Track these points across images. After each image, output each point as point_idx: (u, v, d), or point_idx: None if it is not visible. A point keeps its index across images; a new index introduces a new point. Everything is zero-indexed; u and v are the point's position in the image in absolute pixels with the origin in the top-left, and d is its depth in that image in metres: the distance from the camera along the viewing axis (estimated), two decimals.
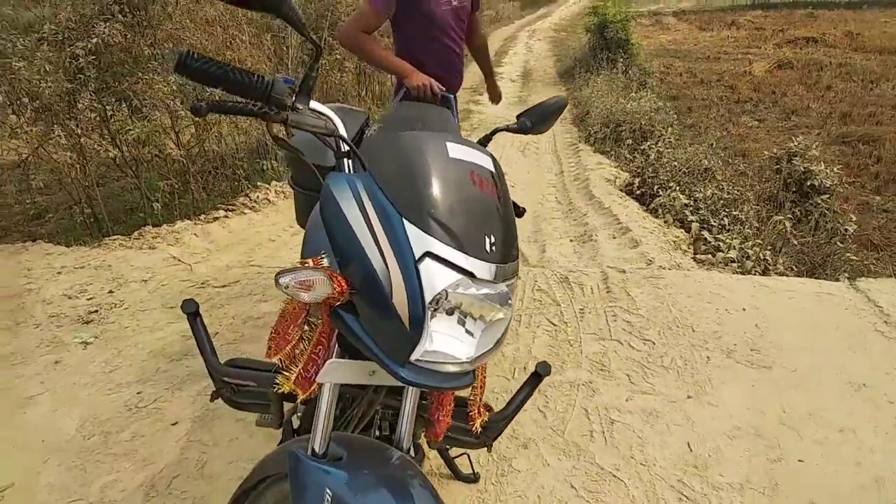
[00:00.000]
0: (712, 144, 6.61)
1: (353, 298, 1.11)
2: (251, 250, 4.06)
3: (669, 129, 7.26)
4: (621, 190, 5.60)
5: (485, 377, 1.50)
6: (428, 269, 1.04)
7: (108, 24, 3.96)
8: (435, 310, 1.04)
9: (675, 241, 4.11)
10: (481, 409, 1.49)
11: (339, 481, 1.09)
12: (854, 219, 5.02)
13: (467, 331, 1.09)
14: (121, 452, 2.24)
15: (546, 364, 1.57)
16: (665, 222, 4.59)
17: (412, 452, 1.30)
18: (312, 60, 1.27)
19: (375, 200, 1.11)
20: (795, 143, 5.14)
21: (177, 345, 2.87)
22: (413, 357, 1.06)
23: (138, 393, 2.55)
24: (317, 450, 1.19)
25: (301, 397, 1.28)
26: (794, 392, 2.44)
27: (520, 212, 1.52)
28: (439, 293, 1.03)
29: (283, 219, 4.68)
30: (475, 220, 1.11)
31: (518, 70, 13.57)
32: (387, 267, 1.05)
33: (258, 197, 5.10)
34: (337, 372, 1.21)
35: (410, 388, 1.26)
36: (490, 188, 1.18)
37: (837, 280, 3.55)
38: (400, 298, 1.04)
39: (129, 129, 4.05)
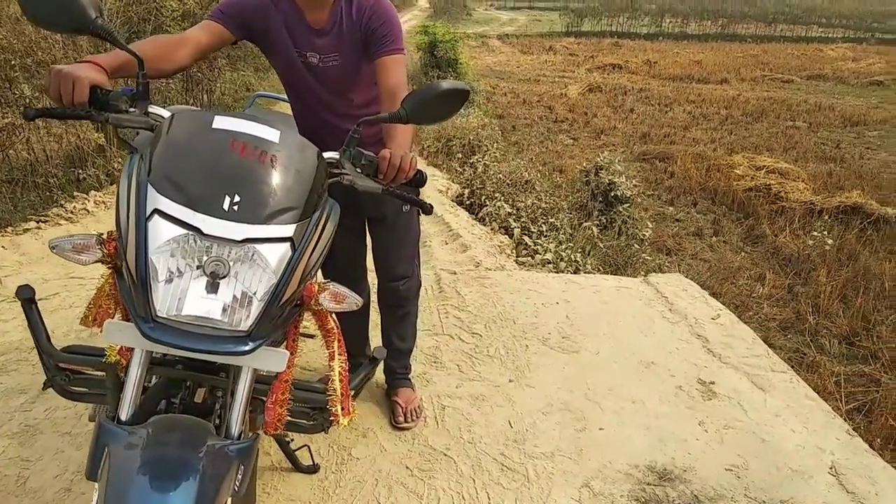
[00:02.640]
0: (532, 159, 7.20)
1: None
2: (70, 262, 3.80)
3: (495, 144, 7.80)
4: (452, 200, 5.94)
5: (344, 363, 1.50)
6: (155, 225, 1.13)
7: None
8: (173, 270, 1.12)
9: (499, 246, 4.48)
10: (345, 391, 1.49)
11: (125, 446, 1.14)
12: (650, 225, 5.74)
13: (212, 287, 1.14)
14: None
15: (382, 349, 1.70)
16: (491, 230, 4.96)
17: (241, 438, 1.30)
18: (139, 69, 1.40)
19: (139, 174, 1.21)
20: (601, 158, 5.79)
21: None
22: (161, 313, 1.13)
23: None
24: (122, 417, 1.22)
25: (124, 364, 1.32)
26: (597, 371, 2.80)
27: (420, 180, 1.52)
28: (161, 245, 1.12)
29: (105, 229, 4.43)
30: (217, 181, 1.18)
31: None
32: (128, 225, 1.16)
33: (75, 208, 4.79)
34: (119, 333, 1.24)
35: (244, 371, 1.30)
36: (255, 154, 1.23)
37: (635, 277, 4.08)
38: (131, 254, 1.14)
39: None
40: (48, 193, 4.99)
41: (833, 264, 6.13)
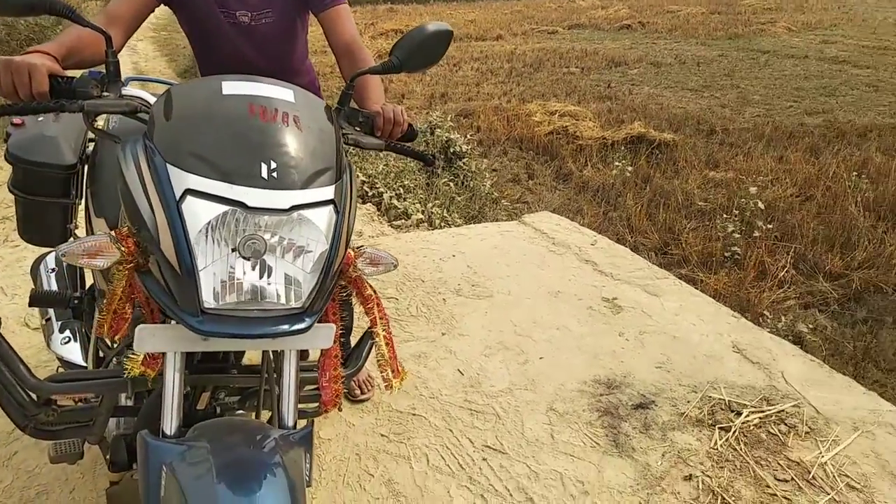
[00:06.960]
0: None
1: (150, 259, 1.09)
2: None
3: None
4: None
5: (387, 326, 1.40)
6: (189, 206, 1.02)
7: None
8: (218, 253, 1.03)
9: (369, 214, 4.46)
10: (391, 353, 1.39)
11: (182, 458, 1.04)
12: (488, 176, 6.04)
13: (259, 265, 1.05)
14: None
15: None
16: None
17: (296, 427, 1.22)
18: (107, 48, 1.24)
19: (148, 155, 1.09)
20: (434, 117, 5.94)
21: None
22: (207, 305, 1.03)
23: None
24: (168, 432, 1.12)
25: (151, 375, 1.16)
26: (516, 309, 2.98)
27: (412, 133, 1.48)
28: (203, 227, 1.02)
29: None
30: (247, 149, 1.08)
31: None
32: (153, 214, 1.04)
33: None
34: (154, 338, 1.12)
35: (286, 355, 1.21)
36: (277, 116, 1.13)
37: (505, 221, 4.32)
38: (166, 243, 1.03)
39: None
40: None
41: (633, 188, 6.93)
